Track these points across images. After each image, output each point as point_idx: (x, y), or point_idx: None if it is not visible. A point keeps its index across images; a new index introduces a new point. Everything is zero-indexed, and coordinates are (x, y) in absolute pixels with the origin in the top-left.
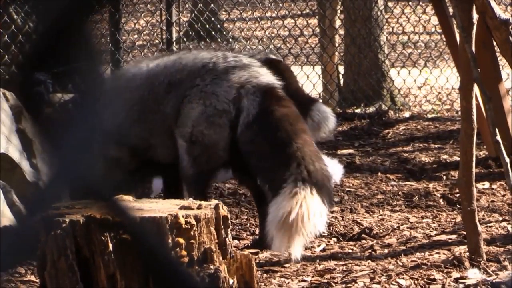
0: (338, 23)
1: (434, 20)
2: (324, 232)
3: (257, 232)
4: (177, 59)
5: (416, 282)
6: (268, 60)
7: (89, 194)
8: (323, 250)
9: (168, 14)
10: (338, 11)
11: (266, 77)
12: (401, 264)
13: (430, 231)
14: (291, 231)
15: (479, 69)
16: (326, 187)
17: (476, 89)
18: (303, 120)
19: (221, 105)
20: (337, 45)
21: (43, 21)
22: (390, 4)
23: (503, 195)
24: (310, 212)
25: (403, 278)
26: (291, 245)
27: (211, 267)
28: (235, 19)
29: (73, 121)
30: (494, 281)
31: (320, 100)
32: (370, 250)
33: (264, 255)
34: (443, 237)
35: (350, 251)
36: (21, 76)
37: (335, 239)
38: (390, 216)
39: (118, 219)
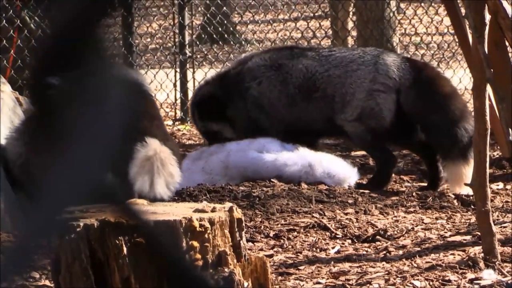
0: (350, 24)
1: (447, 21)
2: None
3: (271, 234)
4: None
5: (431, 283)
6: None
7: (103, 197)
8: (338, 252)
9: (180, 17)
10: (351, 13)
11: None
12: (415, 265)
13: (445, 232)
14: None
15: (491, 69)
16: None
17: (489, 89)
18: None
19: None
20: (349, 46)
21: (55, 24)
22: (402, 5)
23: None
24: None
25: (418, 279)
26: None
27: (226, 270)
28: (248, 21)
29: (88, 123)
30: (509, 281)
31: None
32: (384, 252)
33: (279, 257)
34: (458, 238)
35: (364, 252)
36: (33, 80)
37: (349, 240)
38: (405, 217)
39: (132, 222)
